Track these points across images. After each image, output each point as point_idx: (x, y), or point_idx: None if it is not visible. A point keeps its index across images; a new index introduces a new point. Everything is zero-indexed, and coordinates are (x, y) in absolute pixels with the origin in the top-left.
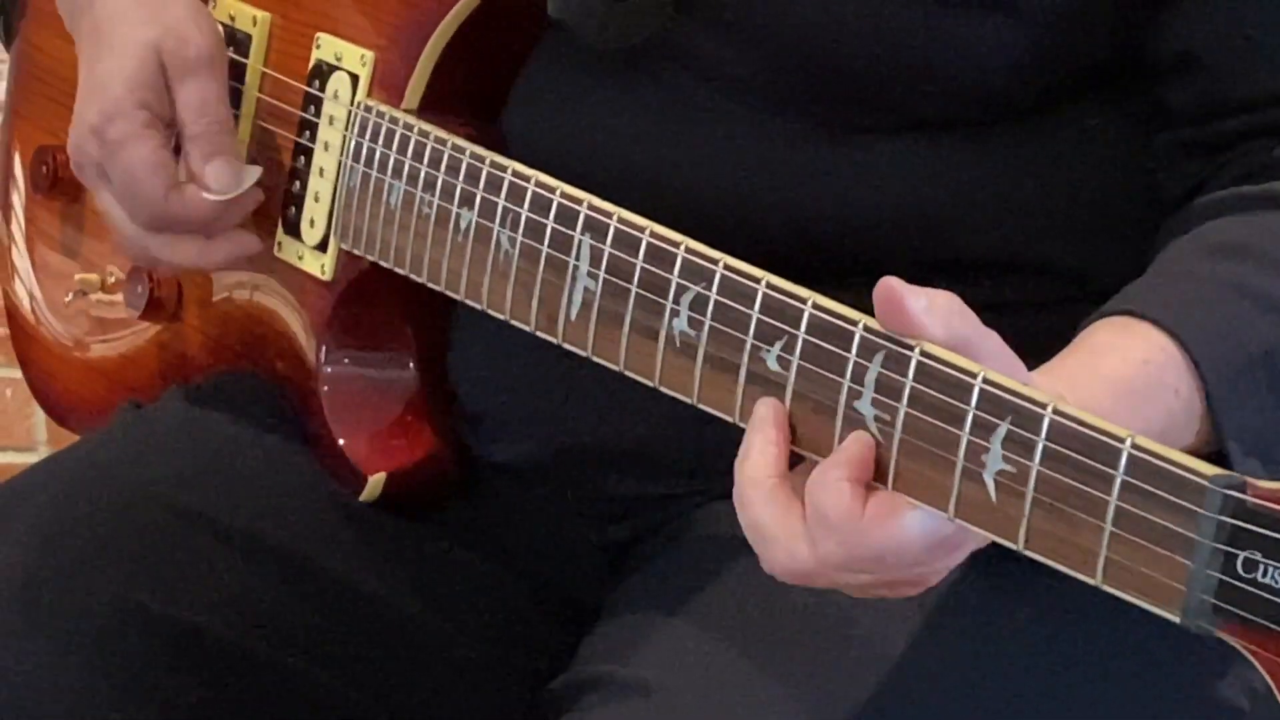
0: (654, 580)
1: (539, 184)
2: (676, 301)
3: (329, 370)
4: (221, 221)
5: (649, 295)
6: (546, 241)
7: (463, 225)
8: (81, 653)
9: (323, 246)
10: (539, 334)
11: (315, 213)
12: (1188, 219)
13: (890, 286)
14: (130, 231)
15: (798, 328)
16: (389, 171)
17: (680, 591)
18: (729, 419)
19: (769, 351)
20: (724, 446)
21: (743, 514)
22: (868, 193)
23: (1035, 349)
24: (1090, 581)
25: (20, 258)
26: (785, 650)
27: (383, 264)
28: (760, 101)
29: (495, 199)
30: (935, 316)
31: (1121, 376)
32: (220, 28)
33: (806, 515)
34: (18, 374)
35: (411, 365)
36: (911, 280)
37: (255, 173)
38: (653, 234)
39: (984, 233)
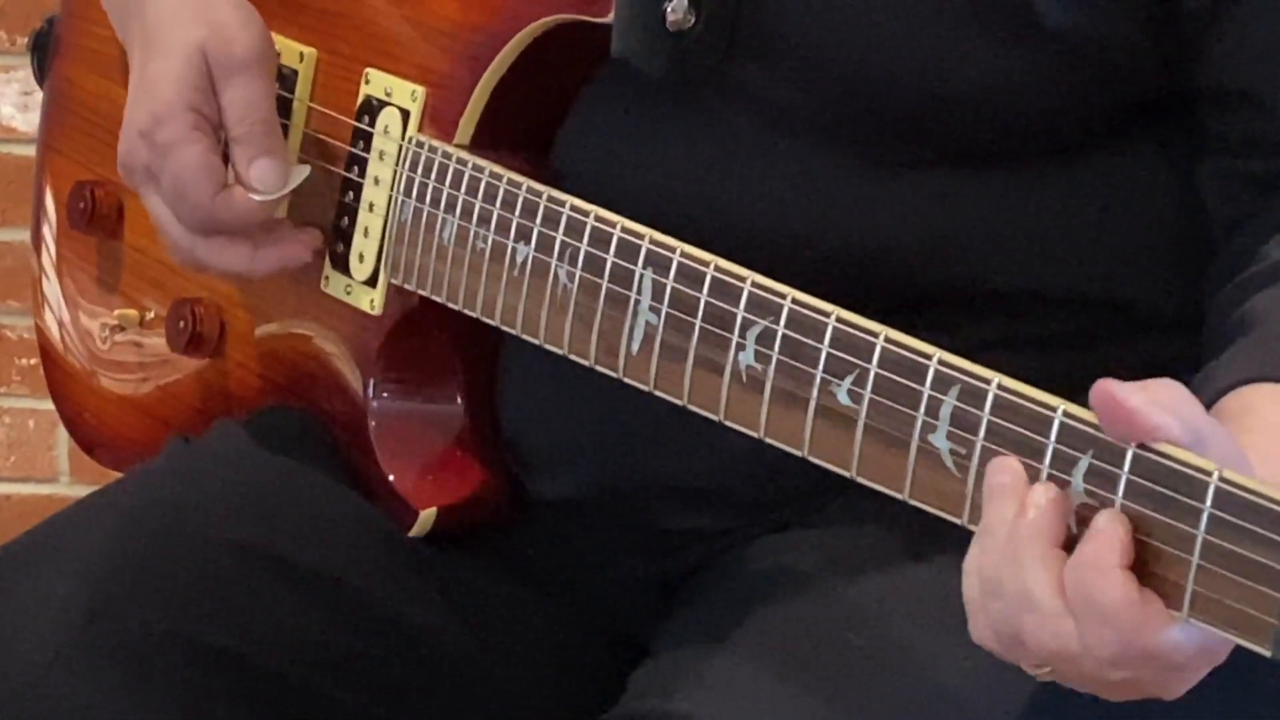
0: (704, 615)
1: (599, 218)
2: (742, 335)
3: (377, 405)
4: (275, 234)
5: (713, 329)
6: (607, 276)
7: (519, 260)
8: (138, 685)
9: (372, 281)
10: (598, 368)
11: (364, 248)
12: (1271, 273)
13: (1103, 389)
14: (178, 235)
15: (870, 361)
16: (442, 206)
17: (731, 627)
18: (797, 453)
19: (839, 385)
20: (776, 481)
21: (1011, 575)
22: (913, 225)
23: (1084, 384)
24: (1177, 615)
25: (54, 292)
26: (836, 689)
27: (435, 299)
28: (806, 133)
29: (553, 233)
30: (1162, 407)
31: None
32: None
33: (1071, 600)
34: (41, 405)
35: (460, 400)
36: (957, 315)
37: (303, 171)
38: (717, 268)
39: (1031, 266)
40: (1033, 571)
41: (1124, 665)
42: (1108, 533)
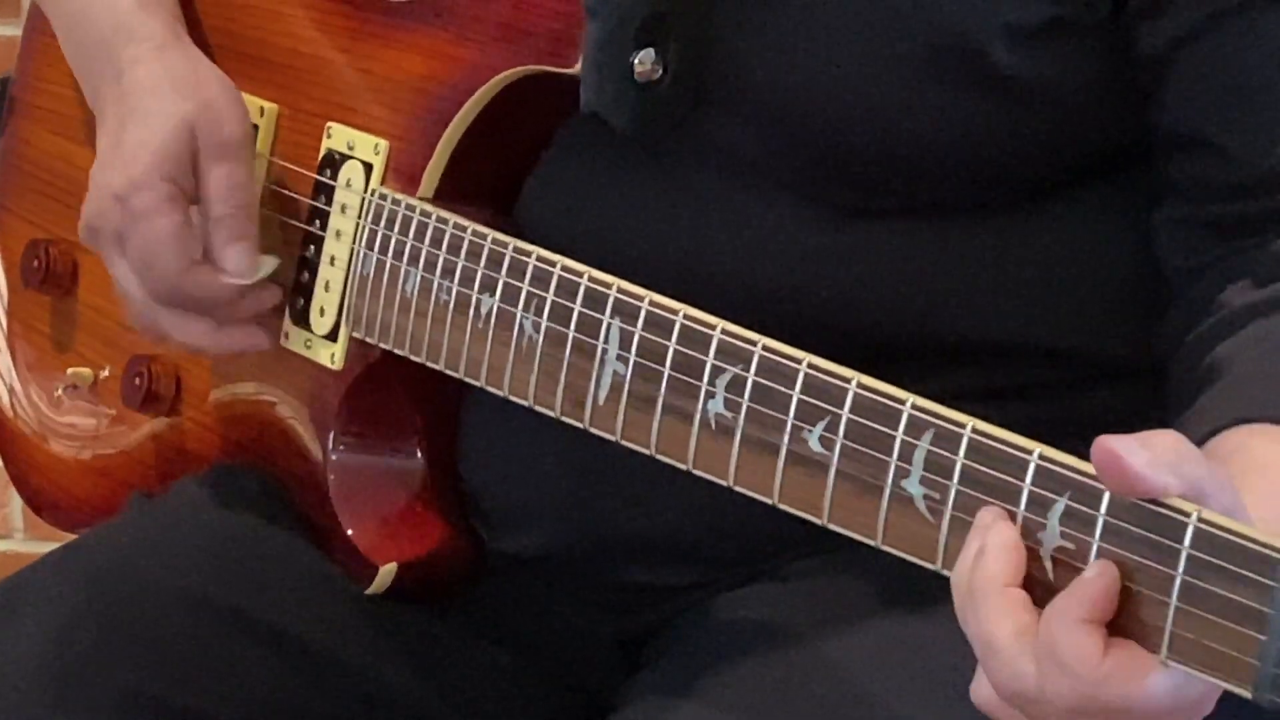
0: (668, 671)
1: (565, 268)
2: (712, 383)
3: (337, 460)
4: (237, 310)
5: (682, 377)
6: (573, 326)
7: (483, 311)
8: None
9: (333, 336)
10: (564, 419)
11: (325, 302)
12: (1234, 320)
13: (1105, 446)
14: (142, 304)
15: (841, 407)
16: (405, 258)
17: (694, 682)
18: (768, 500)
19: (811, 432)
20: (741, 536)
21: (974, 620)
22: (877, 276)
23: (1048, 433)
24: (1156, 658)
25: (5, 355)
26: None
27: (397, 352)
28: (773, 186)
29: (519, 284)
30: (1163, 468)
31: None
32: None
33: (1037, 646)
34: None
35: (420, 454)
36: (925, 366)
37: (273, 263)
38: (687, 316)
39: (994, 316)
40: (988, 615)
41: (1086, 716)
42: (1085, 584)
